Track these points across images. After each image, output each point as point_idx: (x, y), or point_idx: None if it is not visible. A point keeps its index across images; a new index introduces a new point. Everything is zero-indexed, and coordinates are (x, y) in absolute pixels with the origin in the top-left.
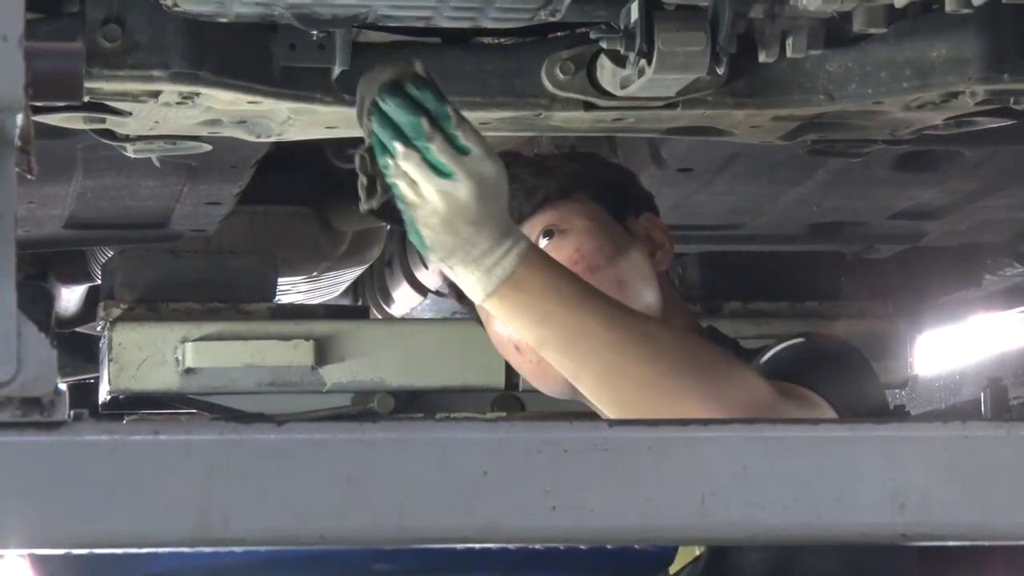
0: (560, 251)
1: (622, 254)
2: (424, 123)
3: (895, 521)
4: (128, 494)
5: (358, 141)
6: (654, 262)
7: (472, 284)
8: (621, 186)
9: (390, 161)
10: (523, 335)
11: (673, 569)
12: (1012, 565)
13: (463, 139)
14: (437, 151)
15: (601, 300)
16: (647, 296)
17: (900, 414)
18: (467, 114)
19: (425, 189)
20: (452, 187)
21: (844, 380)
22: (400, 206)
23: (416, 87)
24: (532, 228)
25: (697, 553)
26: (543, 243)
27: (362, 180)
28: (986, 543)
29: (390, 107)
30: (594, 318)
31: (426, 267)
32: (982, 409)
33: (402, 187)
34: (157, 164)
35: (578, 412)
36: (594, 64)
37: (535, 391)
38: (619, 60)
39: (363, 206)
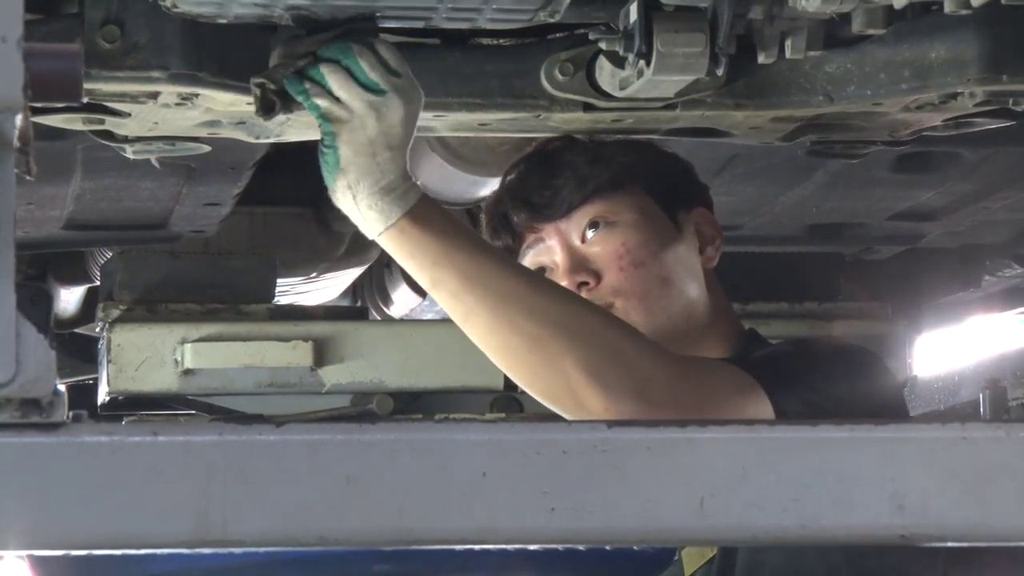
0: (606, 243)
1: (668, 250)
2: (352, 44)
3: (894, 522)
4: (127, 495)
5: None
6: (703, 258)
7: (374, 215)
8: (675, 179)
9: (307, 84)
10: (417, 275)
11: (688, 572)
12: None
13: (393, 63)
14: (368, 67)
15: (497, 252)
16: (692, 293)
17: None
18: (466, 115)
19: (354, 104)
20: (383, 103)
21: (820, 376)
22: (323, 129)
23: (350, 32)
24: (581, 217)
25: (710, 555)
26: (589, 234)
27: (256, 92)
28: (985, 544)
29: (315, 40)
30: (492, 264)
31: None
32: (981, 410)
33: (325, 104)
34: (156, 165)
35: None
36: (593, 65)
37: None
38: (618, 61)
39: (259, 115)
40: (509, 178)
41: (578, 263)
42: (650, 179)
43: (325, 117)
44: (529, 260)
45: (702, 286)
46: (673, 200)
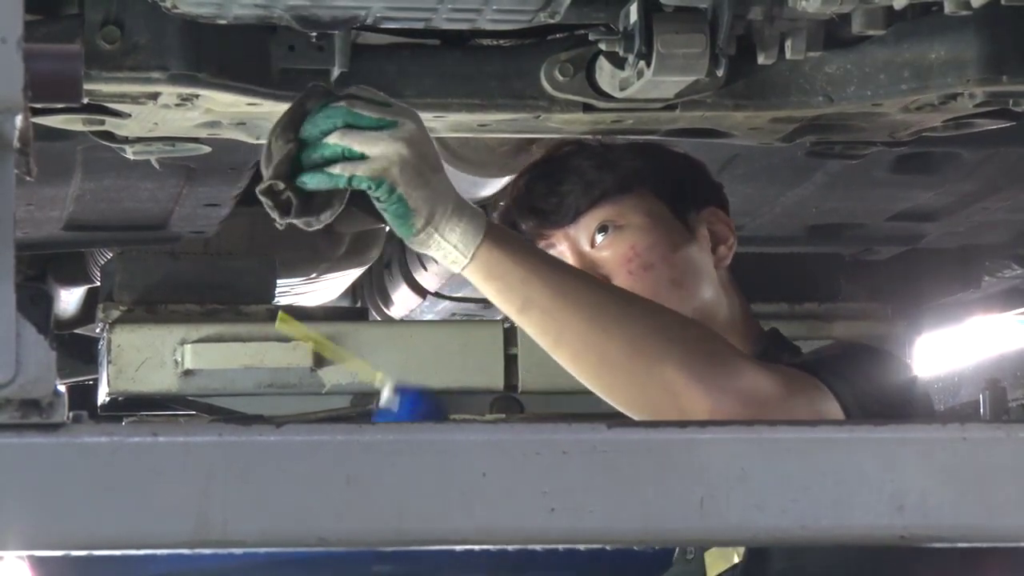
0: (614, 248)
1: (678, 252)
2: (335, 104)
3: (894, 523)
4: (127, 496)
5: None
6: (715, 258)
7: (457, 239)
8: (684, 180)
9: (336, 169)
10: (507, 297)
11: (710, 574)
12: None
13: (377, 97)
14: (364, 110)
15: (574, 268)
16: (704, 294)
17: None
18: (466, 116)
19: (379, 149)
20: (400, 131)
21: (863, 377)
22: (375, 189)
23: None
24: (589, 222)
25: (736, 560)
26: (598, 239)
27: (268, 202)
28: (985, 544)
29: (306, 129)
30: (577, 277)
31: (425, 269)
32: (981, 411)
33: (360, 170)
34: (156, 166)
35: (577, 414)
36: (593, 66)
37: (534, 392)
38: (618, 62)
39: (280, 221)
40: (517, 186)
41: (587, 268)
42: (658, 181)
43: (368, 178)
44: None
45: (716, 286)
46: (683, 201)
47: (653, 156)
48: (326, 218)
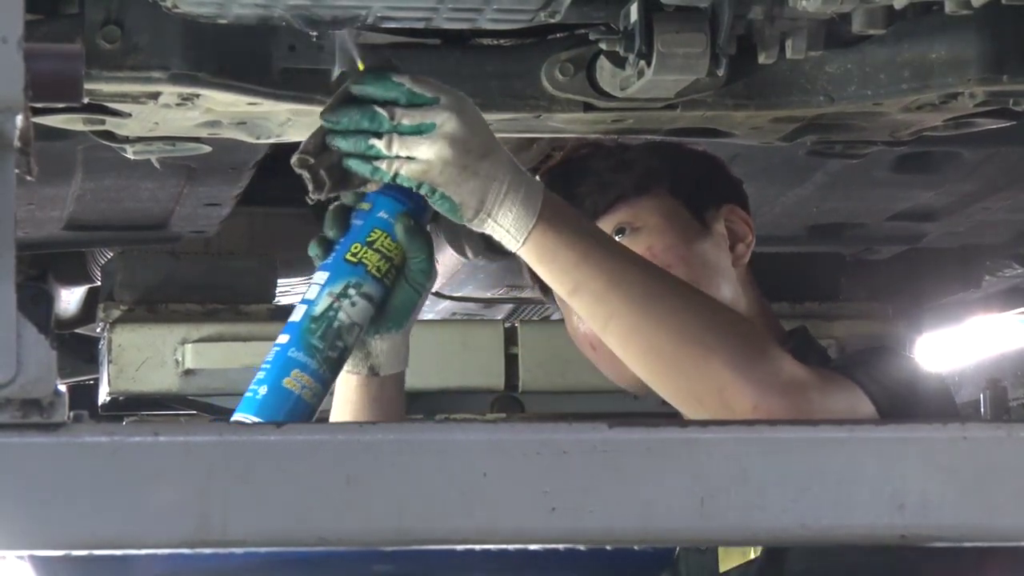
0: (632, 249)
1: (695, 252)
2: (378, 110)
3: (894, 522)
4: (128, 495)
5: None
6: (734, 256)
7: (511, 224)
8: (701, 179)
9: (380, 164)
10: (559, 279)
11: (723, 567)
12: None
13: (425, 92)
14: (407, 121)
15: (631, 251)
16: (722, 293)
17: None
18: None
19: (421, 152)
20: (441, 132)
21: (892, 378)
22: (421, 187)
23: (358, 84)
24: (606, 224)
25: (752, 556)
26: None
27: (306, 173)
28: (985, 544)
29: (343, 119)
30: (632, 262)
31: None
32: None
33: (404, 171)
34: (157, 166)
35: (577, 413)
36: (593, 65)
37: (534, 392)
38: (618, 61)
39: (313, 196)
40: None
41: None
42: (675, 180)
43: (414, 181)
44: None
45: (735, 285)
46: (700, 200)
47: (670, 155)
48: (326, 192)
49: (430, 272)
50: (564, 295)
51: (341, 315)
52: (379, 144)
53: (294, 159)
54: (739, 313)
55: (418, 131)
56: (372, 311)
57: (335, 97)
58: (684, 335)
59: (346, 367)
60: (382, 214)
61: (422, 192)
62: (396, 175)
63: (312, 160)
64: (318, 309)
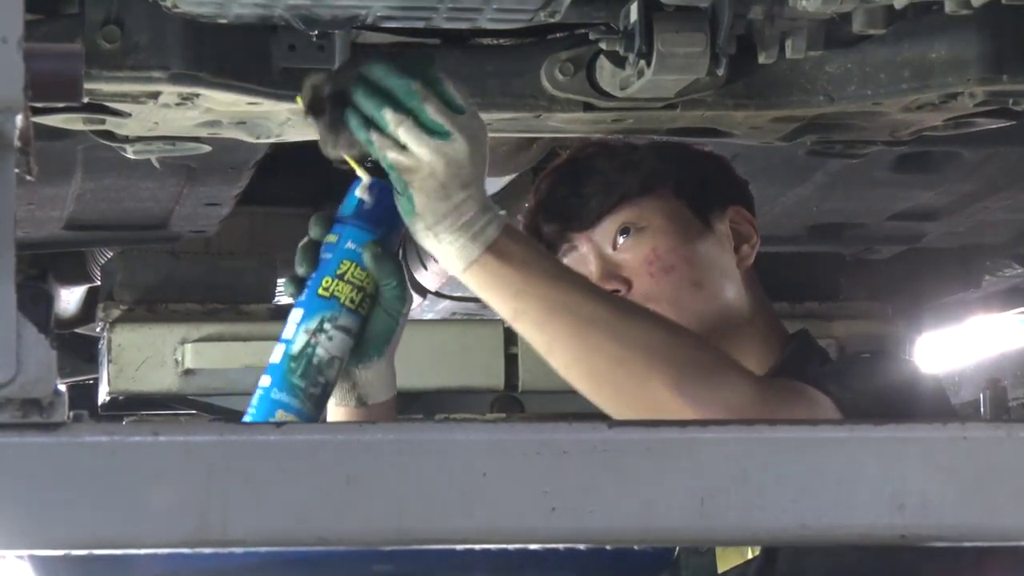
0: (636, 250)
1: (699, 253)
2: (417, 85)
3: (894, 522)
4: (128, 495)
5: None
6: (738, 257)
7: (455, 252)
8: (706, 180)
9: (374, 136)
10: (498, 307)
11: (721, 567)
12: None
13: (458, 98)
14: (432, 111)
15: (580, 278)
16: (726, 294)
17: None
18: None
19: (420, 152)
20: (449, 147)
21: (877, 388)
22: (391, 174)
23: (401, 60)
24: (611, 224)
25: (750, 556)
26: (620, 241)
27: (307, 93)
28: (985, 544)
29: (379, 74)
30: (572, 292)
31: (425, 268)
32: (981, 410)
33: (392, 155)
34: (157, 165)
35: (577, 413)
36: (593, 65)
37: (534, 392)
38: (618, 61)
39: (331, 153)
40: (540, 188)
41: (609, 271)
42: (680, 181)
43: (393, 168)
44: None
45: (739, 286)
46: (704, 201)
47: (675, 156)
48: (322, 117)
49: (404, 297)
50: (507, 320)
51: (319, 351)
52: (390, 118)
53: (312, 77)
54: (691, 333)
55: (431, 130)
56: (351, 342)
57: (381, 58)
58: (623, 361)
59: (333, 399)
60: (349, 244)
61: (394, 184)
62: (384, 156)
63: (326, 91)
64: (296, 348)
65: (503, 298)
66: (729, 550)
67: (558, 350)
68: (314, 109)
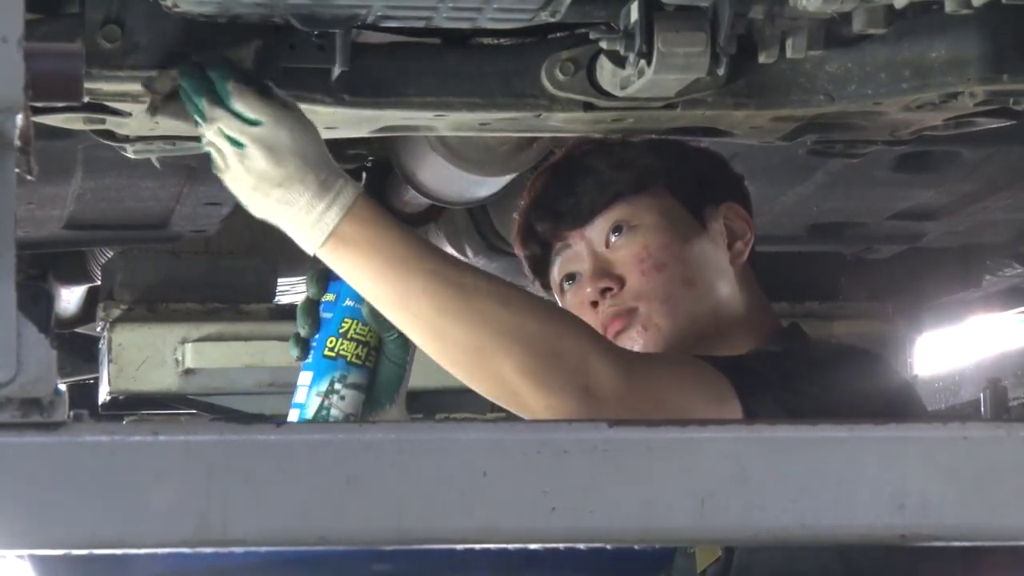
0: (628, 248)
1: (691, 250)
2: (204, 104)
3: (894, 522)
4: (128, 495)
5: (357, 141)
6: (732, 253)
7: (301, 239)
8: (700, 177)
9: (205, 107)
10: (360, 291)
11: (700, 567)
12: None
13: (248, 112)
14: (225, 127)
15: (431, 259)
16: (718, 292)
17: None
18: (467, 115)
19: (228, 158)
20: (245, 156)
21: (809, 381)
22: (214, 171)
23: (214, 68)
24: (604, 222)
25: (719, 554)
26: (613, 239)
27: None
28: (986, 544)
29: (186, 86)
30: (419, 279)
31: None
32: (982, 410)
33: (213, 155)
34: (157, 165)
35: None
36: (594, 65)
37: None
38: (619, 61)
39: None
40: (535, 186)
41: (602, 269)
42: (673, 179)
43: (213, 166)
44: (558, 268)
45: (732, 283)
46: (698, 198)
47: (669, 153)
48: (152, 110)
49: (407, 345)
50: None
51: (333, 411)
52: (199, 121)
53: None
54: (554, 313)
55: (232, 140)
56: (362, 396)
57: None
58: (474, 347)
59: None
60: (348, 302)
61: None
62: (208, 151)
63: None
64: (310, 412)
65: (360, 284)
66: (704, 551)
67: (413, 336)
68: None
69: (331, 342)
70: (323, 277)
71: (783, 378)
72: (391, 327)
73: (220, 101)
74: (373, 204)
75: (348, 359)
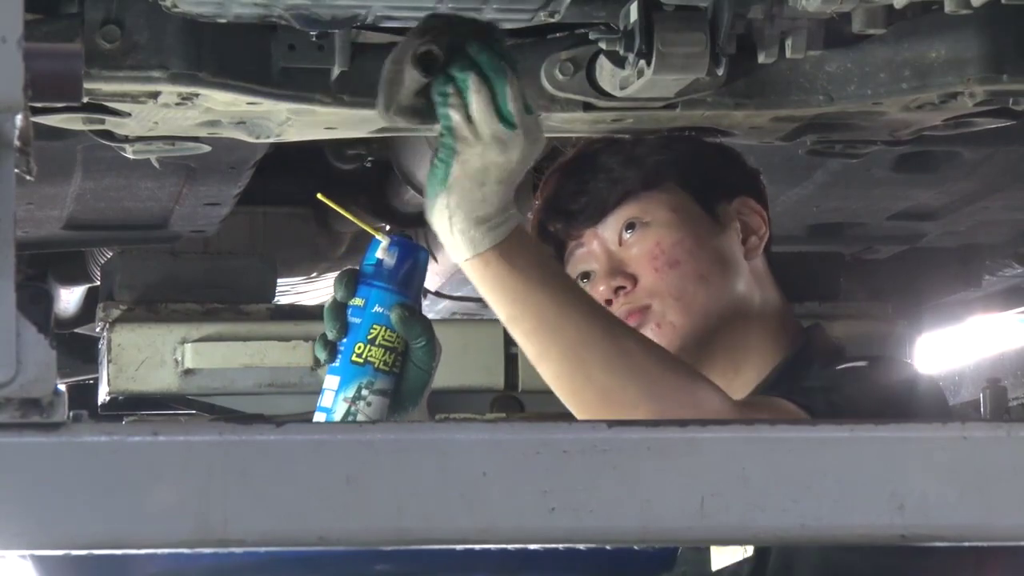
0: (641, 244)
1: (705, 247)
2: (508, 66)
3: (894, 522)
4: (128, 495)
5: (356, 142)
6: (746, 248)
7: (464, 241)
8: (712, 172)
9: (450, 90)
10: (495, 307)
11: (715, 564)
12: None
13: (531, 100)
14: (511, 98)
15: (583, 293)
16: (735, 288)
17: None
18: None
19: (483, 130)
20: (509, 137)
21: (860, 395)
22: (444, 142)
23: (500, 44)
24: (616, 220)
25: (742, 556)
26: (626, 236)
27: (389, 74)
28: (985, 544)
29: (479, 45)
30: (570, 308)
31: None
32: (981, 410)
33: (457, 119)
34: (156, 165)
35: None
36: (593, 65)
37: (534, 392)
38: (618, 61)
39: (380, 108)
40: (547, 185)
41: (615, 267)
42: (684, 174)
43: (451, 131)
44: (572, 267)
45: (747, 279)
46: (711, 193)
47: (680, 149)
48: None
49: (434, 352)
50: (503, 323)
51: (360, 417)
52: (472, 84)
53: (419, 36)
54: (678, 364)
55: (502, 115)
56: (387, 402)
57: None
58: (609, 388)
59: None
60: (377, 308)
61: (440, 143)
62: (448, 115)
63: (436, 49)
64: (336, 417)
65: (500, 301)
66: (721, 549)
67: (546, 365)
68: (426, 65)
69: (359, 348)
70: (351, 281)
71: (851, 404)
72: (419, 334)
73: (516, 76)
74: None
75: (376, 365)
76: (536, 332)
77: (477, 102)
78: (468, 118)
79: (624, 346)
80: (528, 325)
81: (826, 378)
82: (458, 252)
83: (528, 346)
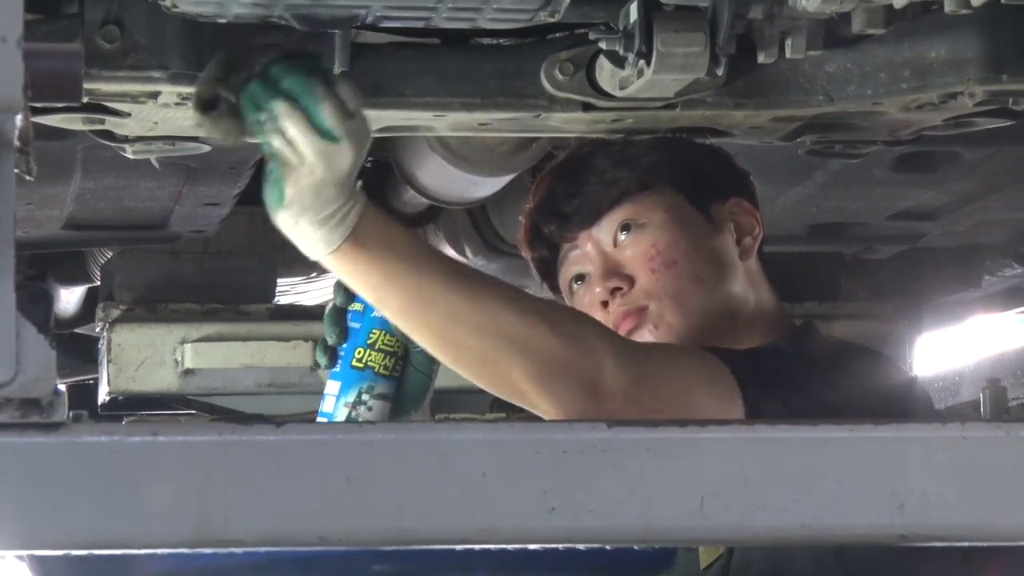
0: (636, 246)
1: (700, 247)
2: (319, 83)
3: (894, 522)
4: (127, 495)
5: None
6: (740, 249)
7: (316, 241)
8: (705, 173)
9: (264, 118)
10: (363, 294)
11: (703, 564)
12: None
13: (350, 103)
14: (327, 114)
15: (443, 264)
16: (729, 287)
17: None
18: (466, 115)
19: (305, 150)
20: (336, 150)
21: (815, 383)
22: (272, 164)
23: (300, 59)
24: (611, 222)
25: (721, 550)
26: (620, 238)
27: (200, 92)
28: (985, 544)
29: (281, 69)
30: (432, 282)
31: None
32: (981, 410)
33: (277, 144)
34: (156, 165)
35: None
36: (593, 65)
37: None
38: (618, 61)
39: (195, 115)
40: (540, 187)
41: (611, 269)
42: (678, 175)
43: (274, 157)
44: (566, 269)
45: (742, 279)
46: (704, 193)
47: (673, 150)
48: (213, 113)
49: (433, 356)
50: (375, 307)
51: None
52: (281, 111)
53: (204, 73)
54: (561, 313)
55: (321, 131)
56: (388, 406)
57: (281, 56)
58: (484, 355)
59: None
60: (376, 313)
61: (270, 166)
62: (268, 143)
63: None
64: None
65: (364, 287)
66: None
67: (425, 341)
68: (205, 103)
69: (359, 353)
70: None
71: (792, 379)
72: None
73: (331, 87)
74: (379, 208)
75: (376, 370)
76: (404, 312)
77: (291, 127)
78: (288, 142)
79: (494, 310)
80: (395, 305)
81: (798, 367)
82: (313, 252)
83: (403, 324)
